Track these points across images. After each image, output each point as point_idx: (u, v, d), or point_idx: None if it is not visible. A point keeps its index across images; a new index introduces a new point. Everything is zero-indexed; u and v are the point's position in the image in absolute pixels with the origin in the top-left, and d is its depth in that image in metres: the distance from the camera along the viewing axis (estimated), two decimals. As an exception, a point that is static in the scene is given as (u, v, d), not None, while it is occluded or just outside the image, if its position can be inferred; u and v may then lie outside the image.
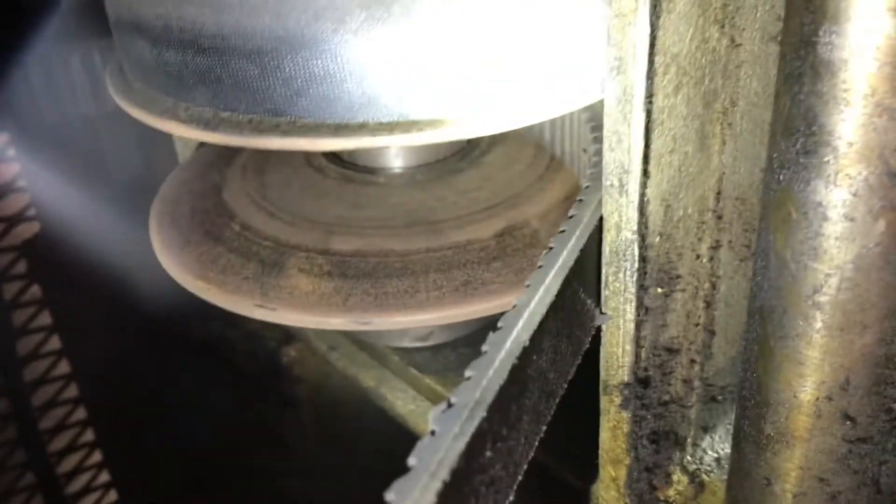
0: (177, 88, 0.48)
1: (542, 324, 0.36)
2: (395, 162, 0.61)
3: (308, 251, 0.55)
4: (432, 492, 0.28)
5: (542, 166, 0.62)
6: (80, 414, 0.96)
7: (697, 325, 0.48)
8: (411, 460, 0.29)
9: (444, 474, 0.28)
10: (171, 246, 0.59)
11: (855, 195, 0.34)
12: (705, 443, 0.54)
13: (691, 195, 0.43)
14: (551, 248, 0.40)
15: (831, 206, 0.35)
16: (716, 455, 0.54)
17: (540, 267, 0.39)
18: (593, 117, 0.55)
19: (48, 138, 0.83)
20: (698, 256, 0.45)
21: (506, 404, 0.33)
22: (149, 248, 0.60)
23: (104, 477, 1.00)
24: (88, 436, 0.98)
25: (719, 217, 0.45)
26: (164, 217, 0.62)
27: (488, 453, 0.32)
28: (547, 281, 0.38)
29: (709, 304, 0.48)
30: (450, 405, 0.32)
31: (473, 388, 0.32)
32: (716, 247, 0.46)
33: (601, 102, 0.56)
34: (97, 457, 0.99)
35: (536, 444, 0.38)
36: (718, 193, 0.44)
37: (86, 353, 0.94)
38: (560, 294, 0.38)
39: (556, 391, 0.40)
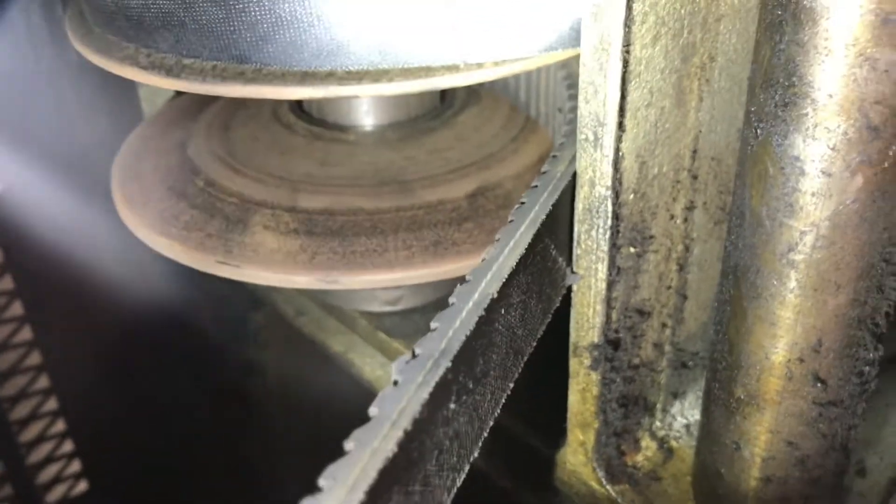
0: (138, 33, 0.46)
1: (510, 277, 0.35)
2: (366, 119, 0.59)
3: (274, 208, 0.54)
4: (393, 440, 0.27)
5: (516, 128, 0.61)
6: (52, 405, 0.95)
7: (670, 287, 0.47)
8: (372, 410, 0.28)
9: (405, 423, 0.27)
10: (133, 202, 0.57)
11: (833, 149, 0.33)
12: (675, 409, 0.53)
13: (667, 152, 0.42)
14: (523, 203, 0.39)
15: (809, 161, 0.34)
16: (685, 422, 0.53)
17: (511, 221, 0.38)
18: (569, 75, 0.54)
19: (8, 93, 0.80)
20: (672, 217, 0.45)
21: (472, 356, 0.32)
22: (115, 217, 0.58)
23: (75, 467, 0.99)
24: (59, 426, 0.96)
25: (694, 177, 0.44)
26: (126, 172, 0.60)
27: (452, 405, 0.31)
28: (517, 235, 0.37)
29: (681, 267, 0.47)
30: (414, 356, 0.31)
31: (439, 339, 0.31)
32: (690, 207, 0.45)
33: (578, 60, 0.54)
34: (68, 447, 0.98)
35: (503, 401, 0.37)
36: (694, 152, 0.44)
37: (58, 343, 0.92)
38: (530, 249, 0.37)
39: (525, 349, 0.39)
